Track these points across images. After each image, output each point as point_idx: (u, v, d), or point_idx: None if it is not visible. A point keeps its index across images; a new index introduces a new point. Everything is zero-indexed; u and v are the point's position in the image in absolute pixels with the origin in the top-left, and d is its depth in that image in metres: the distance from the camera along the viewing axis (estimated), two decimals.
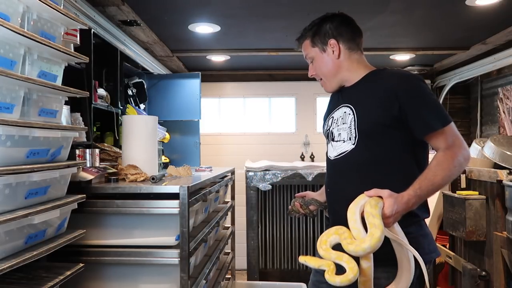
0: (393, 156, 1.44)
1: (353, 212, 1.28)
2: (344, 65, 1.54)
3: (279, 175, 3.64)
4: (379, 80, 1.49)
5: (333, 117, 1.58)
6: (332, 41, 1.54)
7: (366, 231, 1.24)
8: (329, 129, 1.59)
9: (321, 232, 1.80)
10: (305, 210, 1.76)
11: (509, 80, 3.75)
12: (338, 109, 1.57)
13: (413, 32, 3.27)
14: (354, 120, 1.46)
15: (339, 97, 1.61)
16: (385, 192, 1.27)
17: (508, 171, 2.63)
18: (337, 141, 1.53)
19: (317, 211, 1.78)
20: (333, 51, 1.53)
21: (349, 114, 1.49)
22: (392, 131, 1.42)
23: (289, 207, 1.82)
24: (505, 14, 2.81)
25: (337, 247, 1.29)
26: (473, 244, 2.90)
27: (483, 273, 2.73)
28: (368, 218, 1.23)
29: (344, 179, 1.50)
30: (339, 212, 1.44)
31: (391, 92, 1.40)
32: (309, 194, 1.80)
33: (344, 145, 1.50)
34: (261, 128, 4.94)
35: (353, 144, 1.47)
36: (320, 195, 1.78)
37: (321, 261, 1.28)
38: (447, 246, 3.27)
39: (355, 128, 1.46)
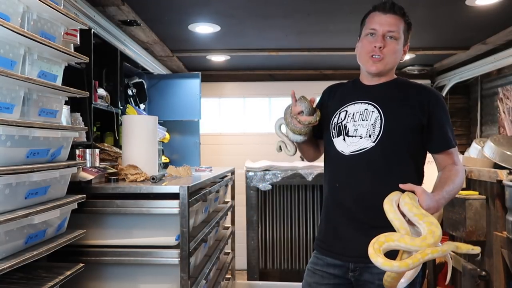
0: (407, 159, 1.51)
1: (390, 204, 1.29)
2: (395, 65, 1.61)
3: (279, 175, 3.64)
4: (410, 89, 1.57)
5: (346, 110, 1.57)
6: (408, 44, 1.63)
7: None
8: (341, 122, 1.57)
9: None
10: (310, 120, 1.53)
11: (509, 80, 3.75)
12: (353, 104, 1.57)
13: (413, 32, 3.25)
14: (381, 119, 1.49)
15: (352, 92, 1.61)
16: (419, 188, 1.33)
17: (508, 171, 2.62)
18: (352, 136, 1.53)
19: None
20: (404, 51, 1.61)
21: (373, 111, 1.52)
22: (414, 137, 1.51)
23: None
24: (505, 14, 2.81)
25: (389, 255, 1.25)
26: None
27: (483, 273, 2.73)
28: (412, 209, 1.26)
29: (361, 175, 1.51)
30: (351, 207, 1.50)
31: (423, 102, 1.50)
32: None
33: (362, 141, 1.50)
34: (261, 128, 4.93)
35: (373, 142, 1.49)
36: None
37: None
38: None
39: (380, 127, 1.49)
